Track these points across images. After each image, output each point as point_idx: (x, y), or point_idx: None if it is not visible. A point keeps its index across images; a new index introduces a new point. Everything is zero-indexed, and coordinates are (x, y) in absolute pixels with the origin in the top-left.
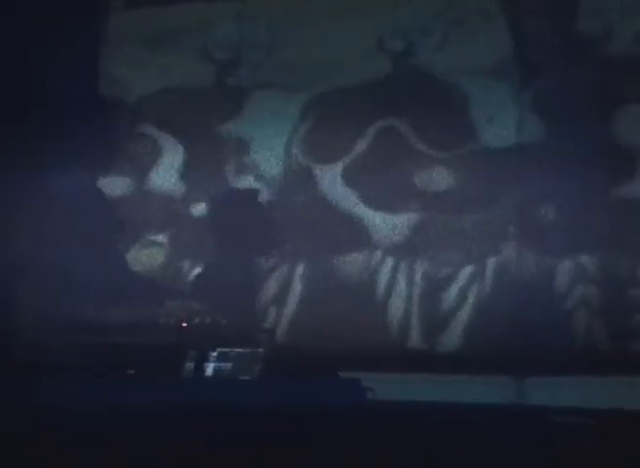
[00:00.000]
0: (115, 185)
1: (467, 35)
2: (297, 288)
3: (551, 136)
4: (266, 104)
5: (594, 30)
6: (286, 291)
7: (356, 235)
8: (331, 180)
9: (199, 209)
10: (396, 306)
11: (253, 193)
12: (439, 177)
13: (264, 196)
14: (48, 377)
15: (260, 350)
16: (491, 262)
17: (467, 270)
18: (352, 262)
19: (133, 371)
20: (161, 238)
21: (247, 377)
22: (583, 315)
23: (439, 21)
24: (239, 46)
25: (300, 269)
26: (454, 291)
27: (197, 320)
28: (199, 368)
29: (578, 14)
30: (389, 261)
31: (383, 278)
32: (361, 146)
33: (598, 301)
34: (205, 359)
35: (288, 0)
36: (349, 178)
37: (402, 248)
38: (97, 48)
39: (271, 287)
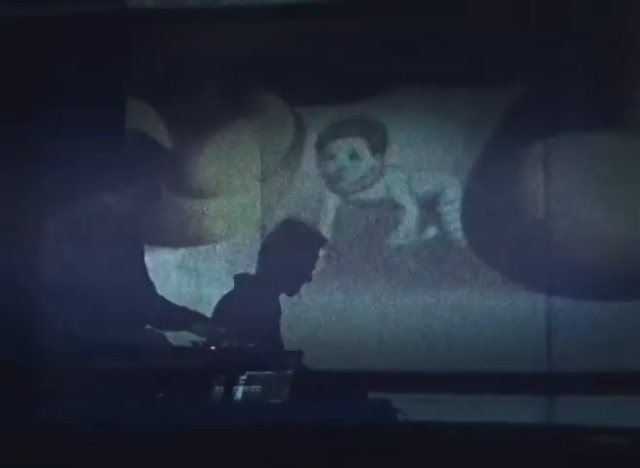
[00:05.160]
0: (144, 211)
1: None
2: (323, 309)
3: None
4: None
5: None
6: (313, 312)
7: (380, 258)
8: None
9: (228, 233)
10: (424, 326)
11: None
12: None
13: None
14: (77, 400)
15: (289, 372)
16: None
17: (498, 292)
18: (376, 284)
19: (162, 395)
20: (189, 262)
21: (276, 400)
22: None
23: None
24: None
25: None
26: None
27: (225, 343)
28: (228, 391)
29: None
30: (413, 286)
31: (409, 298)
32: None
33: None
34: (234, 382)
35: None
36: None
37: (426, 274)
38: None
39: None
